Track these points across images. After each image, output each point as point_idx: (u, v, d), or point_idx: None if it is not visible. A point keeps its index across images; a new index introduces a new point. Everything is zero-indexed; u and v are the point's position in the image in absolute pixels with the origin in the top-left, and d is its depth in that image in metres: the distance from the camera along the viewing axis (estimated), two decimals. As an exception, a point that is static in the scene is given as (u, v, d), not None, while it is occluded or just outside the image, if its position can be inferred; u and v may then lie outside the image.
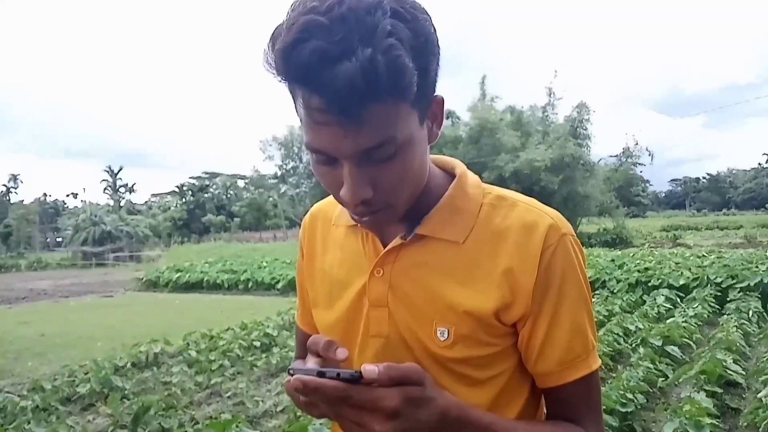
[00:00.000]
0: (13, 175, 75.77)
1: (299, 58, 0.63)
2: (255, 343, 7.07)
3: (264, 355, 6.46)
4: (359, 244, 0.88)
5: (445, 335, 0.79)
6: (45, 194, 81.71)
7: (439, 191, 0.84)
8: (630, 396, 4.26)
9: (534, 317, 0.80)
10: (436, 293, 0.80)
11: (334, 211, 0.95)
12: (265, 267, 17.19)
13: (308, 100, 0.66)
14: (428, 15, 0.70)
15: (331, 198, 0.96)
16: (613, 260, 12.63)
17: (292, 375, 0.64)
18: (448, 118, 31.60)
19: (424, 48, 0.68)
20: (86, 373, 5.80)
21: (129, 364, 6.35)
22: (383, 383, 0.64)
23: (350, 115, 0.64)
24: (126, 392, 5.35)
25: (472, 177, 0.88)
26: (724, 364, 4.79)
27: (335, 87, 0.62)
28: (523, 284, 0.78)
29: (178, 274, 17.71)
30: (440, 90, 0.78)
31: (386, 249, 0.84)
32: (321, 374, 0.63)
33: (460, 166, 0.89)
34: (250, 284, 15.54)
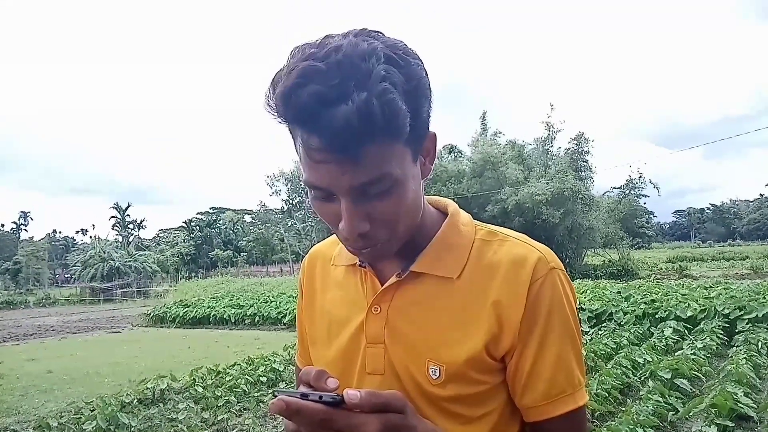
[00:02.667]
0: (23, 212, 76.73)
1: (299, 101, 0.66)
2: (261, 378, 7.03)
3: (270, 391, 6.43)
4: (357, 282, 0.90)
5: (437, 373, 0.81)
6: (55, 231, 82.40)
7: (432, 229, 0.87)
8: (640, 430, 4.22)
9: (520, 349, 0.81)
10: (429, 331, 0.82)
11: (333, 251, 0.98)
12: (271, 301, 17.17)
13: (307, 140, 0.69)
14: (420, 59, 0.74)
15: (330, 239, 1.02)
16: (619, 292, 12.52)
17: (276, 397, 0.64)
18: (450, 152, 31.89)
19: (416, 90, 0.72)
20: (92, 410, 5.77)
21: (135, 401, 6.32)
22: (365, 409, 0.64)
23: (347, 154, 0.68)
24: (132, 429, 5.33)
25: (464, 215, 0.91)
26: (735, 397, 4.73)
27: (333, 128, 0.65)
28: (511, 316, 0.80)
29: (186, 309, 17.71)
30: (441, 125, 0.83)
31: (383, 287, 0.86)
32: (304, 396, 0.63)
33: (452, 205, 0.92)
34: (256, 319, 15.51)
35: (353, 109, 0.65)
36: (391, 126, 0.68)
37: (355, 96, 0.65)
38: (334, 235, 1.01)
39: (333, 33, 0.73)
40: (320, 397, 0.63)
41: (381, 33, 0.74)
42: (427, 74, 0.75)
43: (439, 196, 0.96)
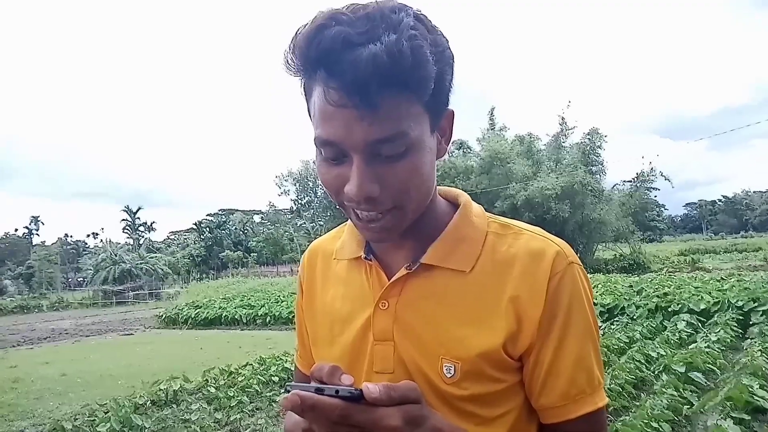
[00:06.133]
0: (34, 217, 77.40)
1: (323, 41, 0.65)
2: (273, 378, 7.04)
3: (282, 390, 6.44)
4: (362, 276, 0.86)
5: (452, 371, 0.77)
6: (66, 235, 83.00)
7: (443, 220, 0.84)
8: (655, 425, 4.18)
9: (539, 347, 0.77)
10: (442, 327, 0.78)
11: (334, 245, 0.94)
12: (282, 301, 17.22)
13: (327, 82, 0.66)
14: (444, 35, 0.73)
15: (331, 233, 0.98)
16: (631, 286, 12.47)
17: (288, 392, 0.61)
18: (459, 148, 31.83)
19: (441, 56, 0.70)
20: (106, 412, 5.81)
21: (149, 402, 6.35)
22: (384, 403, 0.61)
23: (368, 99, 0.65)
24: (146, 431, 5.36)
25: (476, 206, 0.88)
26: (751, 389, 4.68)
27: (357, 68, 0.63)
28: (530, 313, 0.76)
29: (197, 310, 17.81)
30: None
31: (391, 280, 0.81)
32: (319, 391, 0.60)
33: (463, 196, 0.88)
34: (268, 319, 15.58)
35: (382, 49, 0.63)
36: (417, 75, 0.66)
37: (384, 38, 0.63)
38: (336, 229, 0.98)
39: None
40: (337, 391, 0.60)
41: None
42: (450, 48, 0.73)
43: None
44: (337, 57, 0.64)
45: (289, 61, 0.69)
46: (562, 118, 29.01)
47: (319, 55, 0.66)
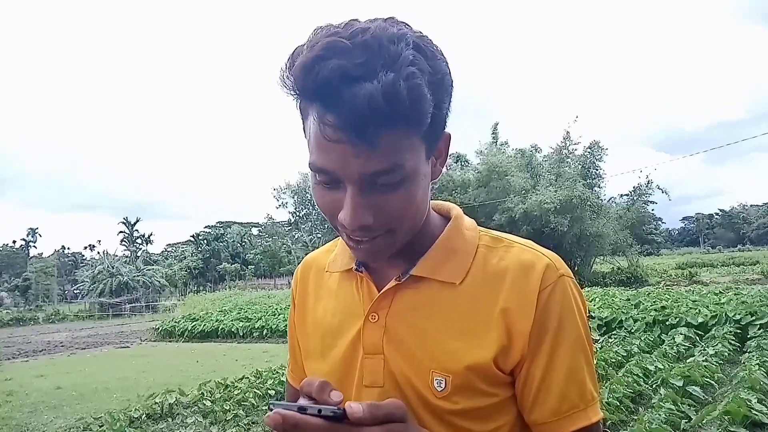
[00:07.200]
0: (31, 229, 77.29)
1: (320, 73, 0.63)
2: (270, 391, 7.01)
3: (267, 403, 6.39)
4: (353, 289, 0.86)
5: (442, 385, 0.76)
6: (63, 247, 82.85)
7: (435, 233, 0.83)
8: (652, 439, 4.18)
9: (530, 361, 0.76)
10: (432, 339, 0.78)
11: (327, 258, 0.94)
12: (279, 314, 17.17)
13: (323, 116, 0.65)
14: (445, 57, 0.72)
15: (324, 247, 0.98)
16: (628, 299, 12.46)
17: (272, 410, 0.61)
18: (457, 161, 31.91)
19: (440, 84, 0.69)
20: (101, 426, 5.78)
21: (144, 416, 6.31)
22: (367, 422, 0.61)
23: (364, 136, 0.64)
24: (141, 444, 5.32)
25: (467, 219, 0.87)
26: (749, 403, 4.67)
27: (354, 106, 0.62)
28: (520, 326, 0.76)
29: (194, 323, 17.74)
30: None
31: (381, 292, 0.81)
32: (302, 410, 0.60)
33: (455, 209, 0.88)
34: (264, 332, 15.52)
35: (378, 89, 0.62)
36: (414, 113, 0.66)
37: (381, 76, 0.62)
38: (330, 242, 0.98)
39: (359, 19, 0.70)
40: (319, 410, 0.60)
41: (409, 24, 0.71)
42: (450, 72, 0.73)
43: None
44: (334, 92, 0.64)
45: (286, 81, 0.69)
46: (567, 132, 29.02)
47: (316, 88, 0.65)
